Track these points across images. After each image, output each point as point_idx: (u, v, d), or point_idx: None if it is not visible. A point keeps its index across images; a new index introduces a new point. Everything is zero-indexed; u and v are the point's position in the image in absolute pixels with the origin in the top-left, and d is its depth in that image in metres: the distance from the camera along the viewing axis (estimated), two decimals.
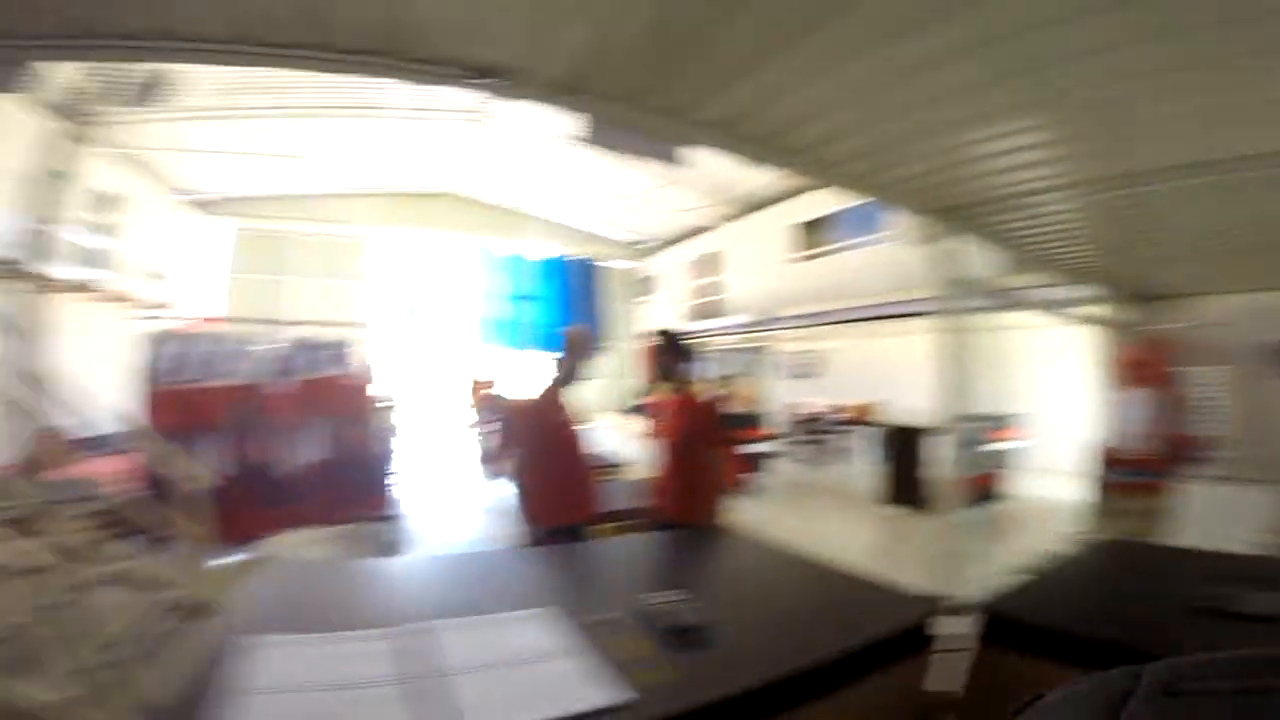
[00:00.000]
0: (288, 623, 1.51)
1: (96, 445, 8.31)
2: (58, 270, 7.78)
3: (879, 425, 9.50)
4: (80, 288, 8.27)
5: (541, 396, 2.72)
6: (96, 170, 9.55)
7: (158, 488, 4.13)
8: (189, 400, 4.64)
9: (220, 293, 13.63)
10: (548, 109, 2.55)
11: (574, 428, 2.79)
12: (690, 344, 2.91)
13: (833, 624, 1.60)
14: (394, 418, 6.01)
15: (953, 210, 3.42)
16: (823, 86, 2.35)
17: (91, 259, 9.34)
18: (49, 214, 8.21)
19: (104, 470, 4.72)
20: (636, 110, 2.59)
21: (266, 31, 2.00)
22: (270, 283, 14.14)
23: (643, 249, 17.50)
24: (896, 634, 1.55)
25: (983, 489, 6.17)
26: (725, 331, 12.78)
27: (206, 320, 10.18)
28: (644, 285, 17.03)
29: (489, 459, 8.18)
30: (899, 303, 8.67)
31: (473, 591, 1.88)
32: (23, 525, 3.15)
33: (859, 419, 10.00)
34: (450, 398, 13.59)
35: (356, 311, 14.50)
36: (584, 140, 2.54)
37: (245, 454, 4.74)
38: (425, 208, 15.21)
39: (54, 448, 5.45)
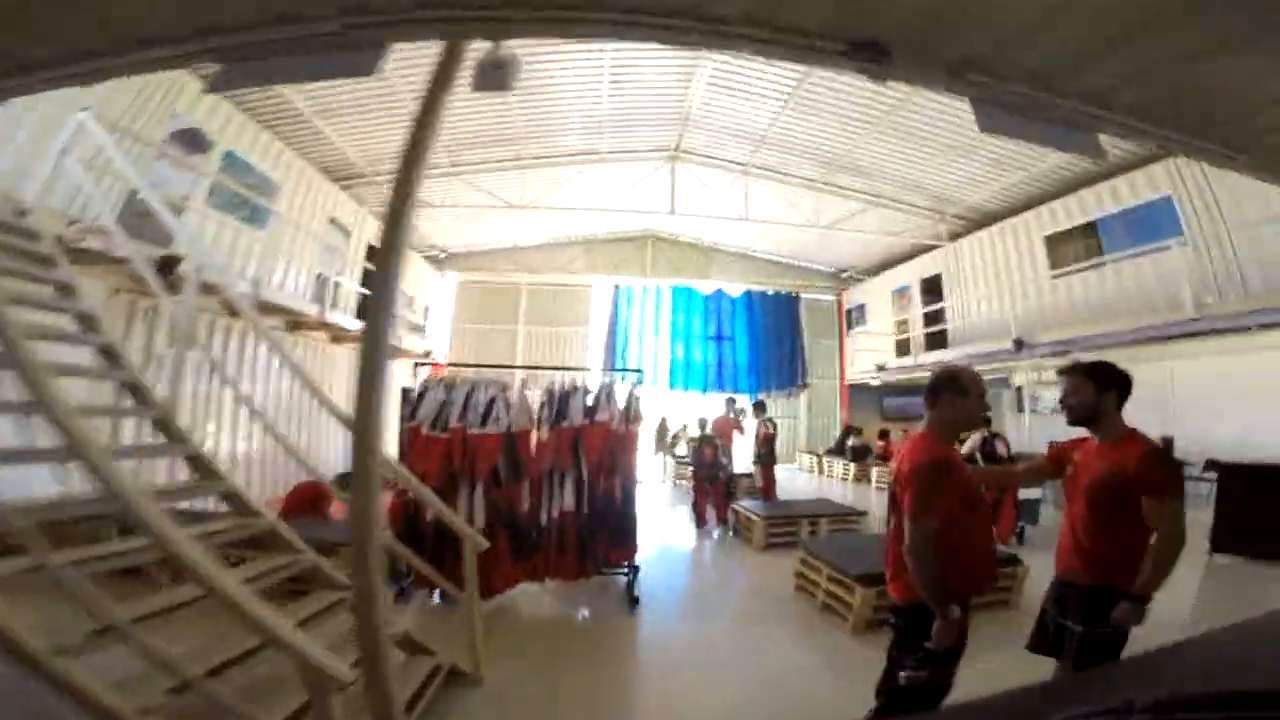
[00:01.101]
0: None
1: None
2: (339, 318, 9.11)
3: (1181, 463, 8.03)
4: (357, 336, 9.50)
5: (945, 447, 2.35)
6: (370, 226, 11.14)
7: (414, 535, 4.23)
8: (452, 447, 4.49)
9: (452, 342, 15.18)
10: (930, 91, 2.27)
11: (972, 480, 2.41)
12: (1124, 376, 2.39)
13: None
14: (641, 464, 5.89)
15: None
16: None
17: (363, 309, 10.83)
18: (336, 268, 9.62)
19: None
20: (1042, 92, 2.20)
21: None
22: (496, 331, 15.48)
23: (847, 278, 16.61)
24: None
25: None
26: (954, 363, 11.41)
27: (452, 366, 11.14)
28: (851, 317, 15.99)
29: (699, 505, 7.87)
30: (1201, 319, 7.10)
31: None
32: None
33: None
34: (656, 439, 13.66)
35: (580, 356, 15.37)
36: (981, 128, 2.19)
37: (503, 504, 4.59)
38: (628, 250, 15.91)
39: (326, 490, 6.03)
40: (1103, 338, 7.91)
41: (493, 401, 4.70)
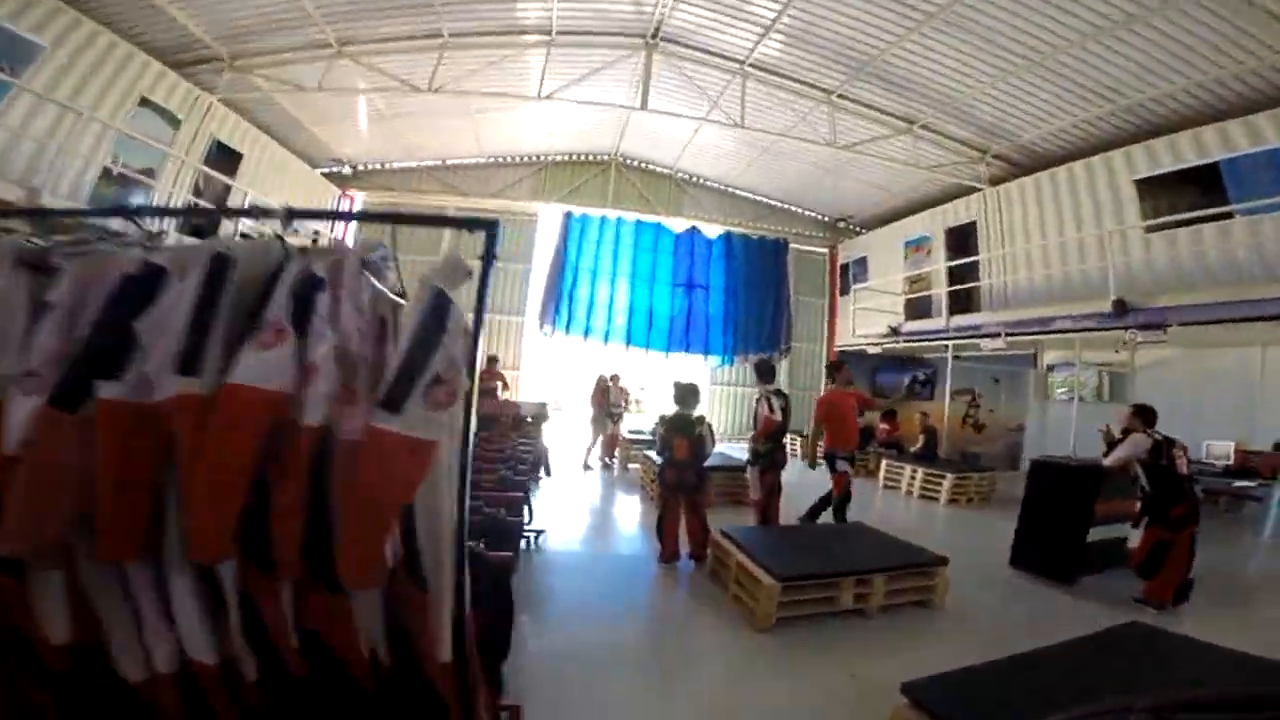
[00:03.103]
0: None
1: None
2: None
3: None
4: None
5: None
6: (221, 117, 8.11)
7: None
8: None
9: None
10: None
11: None
12: None
13: None
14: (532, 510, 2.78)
15: None
16: None
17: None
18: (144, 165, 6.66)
19: None
20: None
21: None
22: (412, 264, 12.33)
23: (844, 228, 14.14)
24: None
25: None
26: (981, 334, 9.18)
27: None
28: (849, 273, 13.48)
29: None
30: None
31: None
32: None
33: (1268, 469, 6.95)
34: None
35: (516, 297, 12.74)
36: None
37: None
38: (586, 174, 13.04)
39: None
40: (1245, 305, 5.74)
41: None
